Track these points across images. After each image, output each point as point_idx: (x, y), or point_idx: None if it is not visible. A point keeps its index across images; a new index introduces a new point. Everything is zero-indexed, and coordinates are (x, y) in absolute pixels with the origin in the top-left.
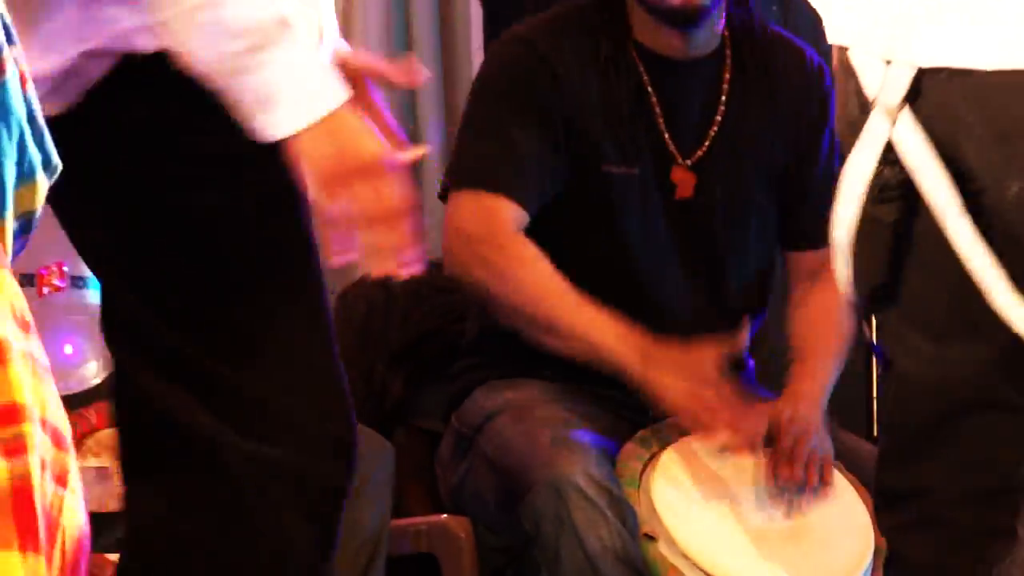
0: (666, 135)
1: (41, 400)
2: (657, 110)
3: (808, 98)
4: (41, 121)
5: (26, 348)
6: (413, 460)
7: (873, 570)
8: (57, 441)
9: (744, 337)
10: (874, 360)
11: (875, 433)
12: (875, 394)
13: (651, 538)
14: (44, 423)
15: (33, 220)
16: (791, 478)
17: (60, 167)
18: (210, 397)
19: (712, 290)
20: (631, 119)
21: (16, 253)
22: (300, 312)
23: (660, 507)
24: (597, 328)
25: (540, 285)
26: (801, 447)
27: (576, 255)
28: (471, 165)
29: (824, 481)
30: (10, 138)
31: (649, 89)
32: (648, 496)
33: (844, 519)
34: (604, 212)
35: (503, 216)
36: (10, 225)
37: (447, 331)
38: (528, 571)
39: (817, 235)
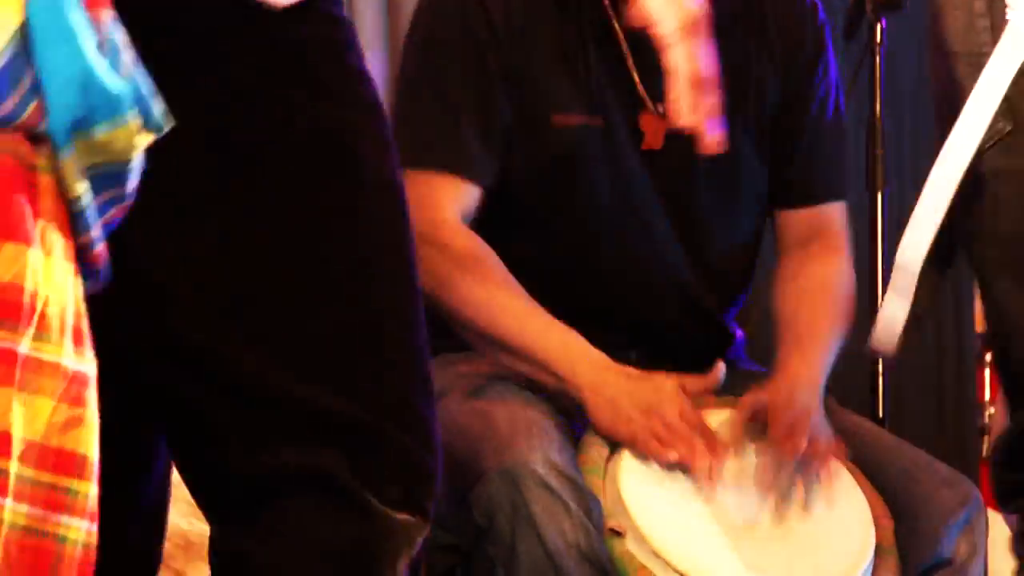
0: (635, 75)
1: None
2: (624, 47)
3: (801, 36)
4: (128, 59)
5: None
6: None
7: (875, 570)
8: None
9: (718, 374)
10: None
11: (880, 412)
12: (880, 368)
13: (617, 533)
14: None
15: (125, 174)
16: (783, 472)
17: (164, 125)
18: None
19: (695, 259)
20: (593, 61)
21: (103, 210)
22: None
23: (628, 498)
24: (547, 343)
25: (485, 295)
26: (798, 438)
27: (538, 225)
28: (412, 141)
29: (823, 476)
30: (56, 43)
31: (615, 24)
32: (615, 486)
33: (841, 513)
34: (565, 171)
35: (446, 203)
36: (73, 171)
37: None
38: (480, 572)
39: (811, 188)
